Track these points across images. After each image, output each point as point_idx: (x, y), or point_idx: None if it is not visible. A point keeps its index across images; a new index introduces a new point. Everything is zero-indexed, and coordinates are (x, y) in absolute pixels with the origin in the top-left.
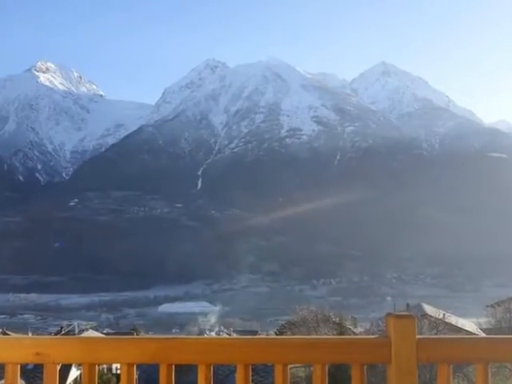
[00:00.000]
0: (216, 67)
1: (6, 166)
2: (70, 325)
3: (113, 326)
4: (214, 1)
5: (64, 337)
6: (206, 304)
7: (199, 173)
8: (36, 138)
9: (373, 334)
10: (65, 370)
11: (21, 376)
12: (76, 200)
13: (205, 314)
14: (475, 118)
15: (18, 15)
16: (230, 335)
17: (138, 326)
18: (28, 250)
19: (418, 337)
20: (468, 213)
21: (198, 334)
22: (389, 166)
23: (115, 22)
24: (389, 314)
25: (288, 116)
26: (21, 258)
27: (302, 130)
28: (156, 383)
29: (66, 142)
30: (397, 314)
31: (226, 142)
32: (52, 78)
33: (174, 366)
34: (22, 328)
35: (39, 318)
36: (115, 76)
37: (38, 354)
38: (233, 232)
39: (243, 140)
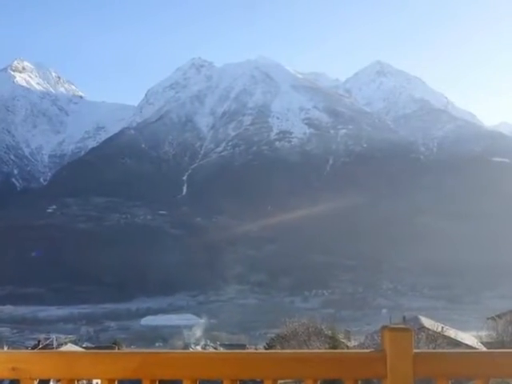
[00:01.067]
0: (202, 67)
1: None
2: (48, 338)
3: (93, 340)
4: None
5: (41, 351)
6: (191, 316)
7: (184, 178)
8: (12, 142)
9: (367, 348)
10: None
11: None
12: (54, 207)
13: (190, 327)
14: (476, 121)
15: None
16: (216, 349)
17: (119, 340)
18: (3, 260)
19: (414, 351)
20: (468, 221)
21: (183, 349)
22: (384, 171)
23: (96, 20)
24: (384, 327)
25: (278, 118)
26: None
27: (292, 133)
28: None
29: (44, 145)
30: (393, 326)
31: (213, 146)
32: (29, 78)
33: (157, 382)
34: None
35: (15, 331)
36: (95, 76)
37: (14, 369)
38: (220, 240)
39: (231, 143)
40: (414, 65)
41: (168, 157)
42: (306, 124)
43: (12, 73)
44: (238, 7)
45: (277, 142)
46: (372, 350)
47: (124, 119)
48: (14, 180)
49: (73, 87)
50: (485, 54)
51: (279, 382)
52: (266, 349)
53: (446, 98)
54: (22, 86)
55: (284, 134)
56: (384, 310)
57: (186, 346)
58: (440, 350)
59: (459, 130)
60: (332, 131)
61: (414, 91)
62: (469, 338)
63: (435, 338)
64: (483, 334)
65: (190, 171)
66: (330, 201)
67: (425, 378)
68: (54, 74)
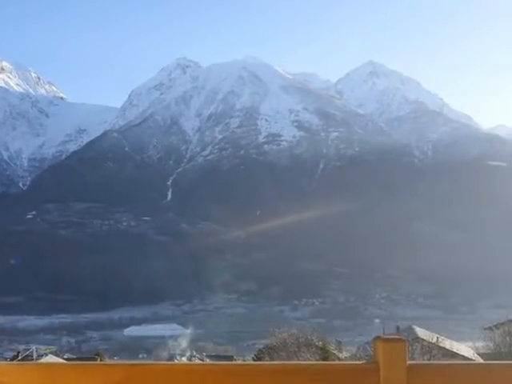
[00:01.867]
0: (187, 67)
1: None
2: (28, 349)
3: (74, 351)
4: None
5: (21, 362)
6: (176, 326)
7: (169, 183)
8: None
9: (359, 360)
10: None
11: None
12: (34, 212)
13: (175, 338)
14: (472, 123)
15: None
16: (202, 361)
17: (101, 351)
18: None
19: (408, 362)
20: (464, 227)
21: (168, 360)
22: (377, 175)
23: (77, 19)
24: (377, 338)
25: (267, 120)
26: None
27: (281, 136)
28: None
29: (23, 148)
30: (386, 337)
31: (199, 149)
32: (7, 79)
33: None
34: None
35: None
36: (77, 77)
37: None
38: (206, 247)
39: (217, 147)
40: (408, 65)
41: (152, 161)
42: (296, 127)
43: None
44: (225, 5)
45: (265, 146)
46: (364, 361)
47: (107, 121)
48: None
49: (53, 88)
50: (482, 54)
51: None
52: (254, 360)
53: (442, 99)
54: (1, 87)
55: (273, 137)
56: (377, 320)
57: (171, 358)
58: (435, 362)
59: (455, 133)
60: (323, 134)
61: (408, 92)
62: (465, 349)
63: (430, 348)
64: (480, 344)
65: (175, 176)
66: (320, 206)
67: None
68: (33, 75)
